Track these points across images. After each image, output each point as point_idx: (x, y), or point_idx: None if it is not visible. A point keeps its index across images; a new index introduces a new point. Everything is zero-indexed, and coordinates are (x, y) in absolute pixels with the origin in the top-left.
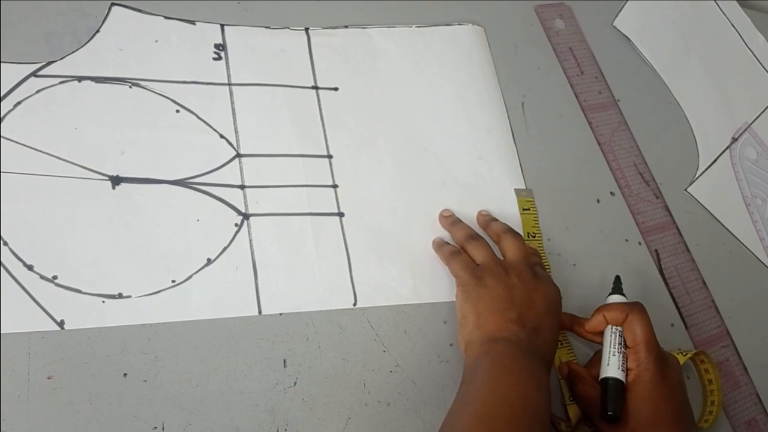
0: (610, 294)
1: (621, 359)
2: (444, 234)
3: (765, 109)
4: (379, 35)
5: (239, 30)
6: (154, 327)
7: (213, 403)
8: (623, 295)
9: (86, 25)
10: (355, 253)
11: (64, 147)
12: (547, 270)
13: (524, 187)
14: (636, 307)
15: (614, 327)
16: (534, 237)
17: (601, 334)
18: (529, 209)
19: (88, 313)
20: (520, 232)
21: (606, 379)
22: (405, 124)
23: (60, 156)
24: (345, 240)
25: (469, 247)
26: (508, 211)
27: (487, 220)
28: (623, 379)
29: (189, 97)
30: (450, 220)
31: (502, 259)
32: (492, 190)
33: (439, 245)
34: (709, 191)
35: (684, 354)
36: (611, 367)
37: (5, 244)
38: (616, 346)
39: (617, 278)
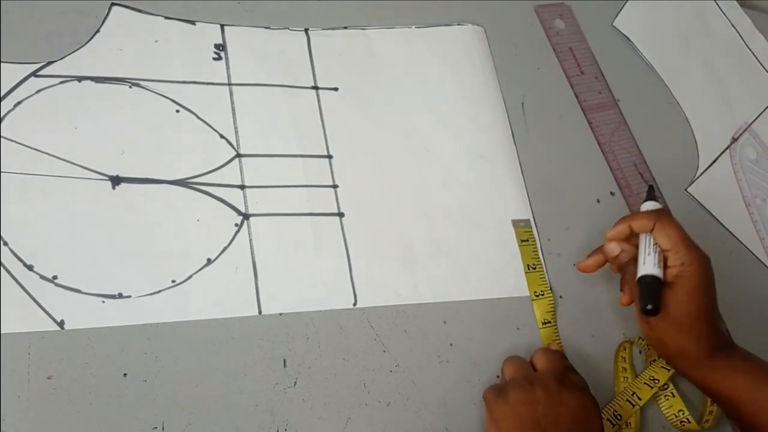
0: (645, 201)
1: (656, 257)
2: (443, 235)
3: (765, 109)
4: (378, 36)
5: (239, 30)
6: (154, 327)
7: (213, 403)
8: (656, 200)
9: (86, 25)
10: (355, 253)
11: (64, 147)
12: (547, 273)
13: (522, 218)
14: (663, 214)
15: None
16: (535, 269)
17: (623, 242)
18: (527, 240)
19: (88, 313)
20: (519, 264)
21: (643, 277)
22: (405, 124)
23: (60, 156)
24: (345, 240)
25: (505, 364)
26: (509, 211)
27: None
28: (659, 275)
29: (189, 97)
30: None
31: (532, 371)
32: (492, 189)
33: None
34: (709, 191)
35: None
36: (647, 266)
37: (5, 244)
38: (651, 246)
39: (651, 187)
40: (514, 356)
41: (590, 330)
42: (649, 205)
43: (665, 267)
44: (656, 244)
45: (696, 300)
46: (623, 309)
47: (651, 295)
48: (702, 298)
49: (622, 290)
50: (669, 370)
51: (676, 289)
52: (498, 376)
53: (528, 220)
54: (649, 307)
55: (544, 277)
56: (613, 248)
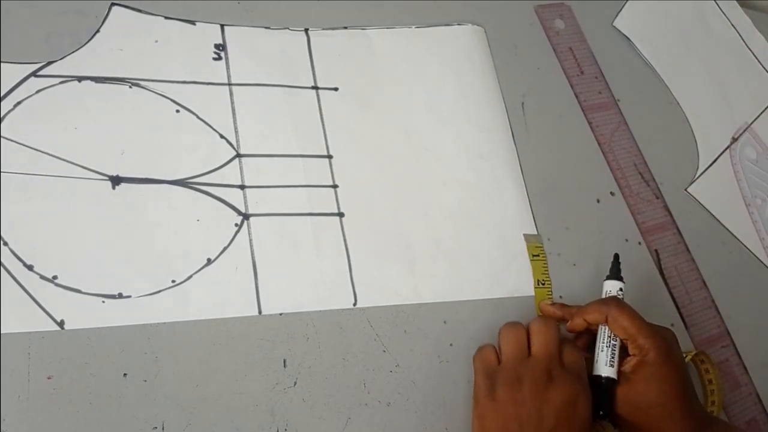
0: (606, 279)
1: (609, 353)
2: (443, 235)
3: (765, 109)
4: (378, 36)
5: (239, 30)
6: (154, 327)
7: (213, 403)
8: (620, 279)
9: (86, 25)
10: (355, 253)
11: (64, 147)
12: (548, 275)
13: (534, 233)
14: (612, 304)
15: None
16: (543, 284)
17: (583, 334)
18: (538, 255)
19: (88, 313)
20: (529, 279)
21: (596, 376)
22: (405, 124)
23: (60, 156)
24: (345, 240)
25: (501, 334)
26: (508, 211)
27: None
28: (611, 375)
29: (189, 97)
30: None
31: (526, 356)
32: (492, 190)
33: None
34: (709, 191)
35: (685, 356)
36: (599, 364)
37: (5, 244)
38: (605, 341)
39: (616, 258)
40: (512, 328)
41: None
42: (610, 285)
43: (627, 355)
44: (610, 336)
45: (659, 387)
46: None
47: (602, 398)
48: (664, 384)
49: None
50: None
51: (637, 379)
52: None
53: (538, 236)
54: (600, 412)
55: (551, 295)
56: (579, 329)
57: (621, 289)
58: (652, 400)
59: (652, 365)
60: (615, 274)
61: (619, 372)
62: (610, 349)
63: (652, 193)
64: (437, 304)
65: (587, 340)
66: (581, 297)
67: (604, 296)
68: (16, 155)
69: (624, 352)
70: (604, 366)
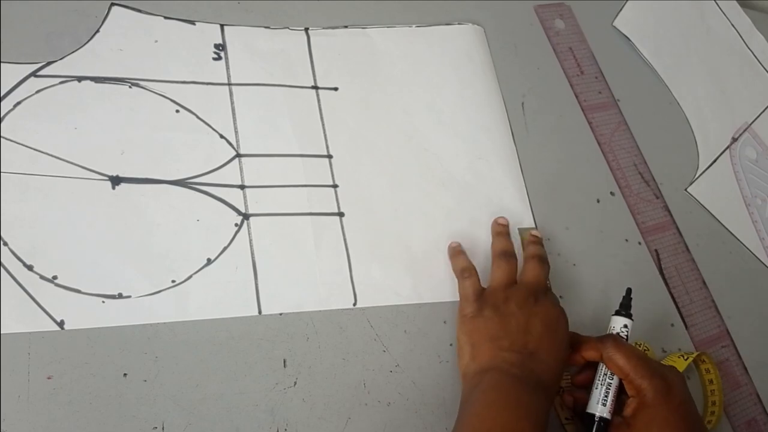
0: (613, 314)
1: (603, 391)
2: (443, 235)
3: (765, 109)
4: (379, 35)
5: (239, 30)
6: (154, 327)
7: (213, 403)
8: (628, 315)
9: (86, 25)
10: (355, 253)
11: (64, 147)
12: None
13: (528, 227)
14: (609, 342)
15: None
16: None
17: (585, 369)
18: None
19: (88, 313)
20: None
21: (588, 414)
22: (405, 124)
23: (60, 156)
24: (345, 240)
25: (494, 264)
26: (508, 211)
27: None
28: (603, 414)
29: (189, 97)
30: (498, 229)
31: (515, 282)
32: (492, 189)
33: (454, 254)
34: (709, 191)
35: (686, 358)
36: (592, 402)
37: (5, 244)
38: (600, 378)
39: (628, 292)
40: (505, 258)
41: (590, 330)
42: (615, 321)
43: (626, 395)
44: (606, 374)
45: (657, 430)
46: None
47: None
48: (665, 428)
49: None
50: None
51: (637, 424)
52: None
53: (535, 228)
54: None
55: (548, 280)
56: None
57: (626, 326)
58: None
59: (651, 407)
60: (623, 309)
61: (621, 416)
62: (604, 387)
63: (652, 193)
64: (437, 304)
65: (589, 375)
66: (581, 297)
67: (608, 332)
68: (16, 155)
69: (624, 393)
70: (596, 404)
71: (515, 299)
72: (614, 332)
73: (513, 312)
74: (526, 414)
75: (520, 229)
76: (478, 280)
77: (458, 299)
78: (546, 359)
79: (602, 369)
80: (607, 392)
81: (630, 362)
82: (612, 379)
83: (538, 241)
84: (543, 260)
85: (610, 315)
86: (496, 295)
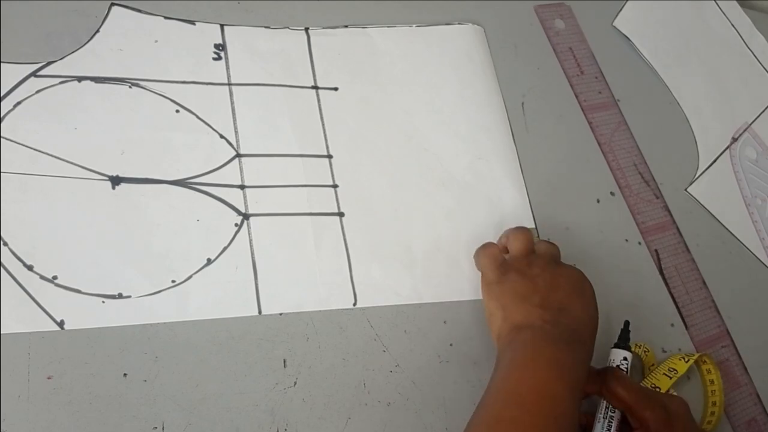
0: (613, 347)
1: (605, 426)
2: (443, 235)
3: (765, 109)
4: (379, 35)
5: (239, 30)
6: (154, 327)
7: (213, 403)
8: (627, 347)
9: (86, 25)
10: (355, 253)
11: (64, 147)
12: None
13: (528, 227)
14: (609, 375)
15: None
16: None
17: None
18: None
19: (88, 313)
20: None
21: None
22: (405, 124)
23: (60, 156)
24: (345, 240)
25: (511, 236)
26: (508, 211)
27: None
28: None
29: (189, 97)
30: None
31: (533, 251)
32: (492, 189)
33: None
34: (709, 191)
35: (686, 360)
36: None
37: (5, 244)
38: (602, 411)
39: (626, 325)
40: (521, 230)
41: None
42: (614, 354)
43: (629, 428)
44: (607, 407)
45: None
46: (623, 309)
47: None
48: None
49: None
50: (670, 378)
51: None
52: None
53: (535, 229)
54: None
55: None
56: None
57: (626, 359)
58: None
59: None
60: (623, 342)
61: None
62: (606, 420)
63: (652, 193)
64: (437, 304)
65: (588, 417)
66: None
67: (608, 365)
68: (16, 155)
69: (627, 425)
70: None
71: (538, 263)
72: (614, 365)
73: (538, 273)
74: (561, 374)
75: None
76: (499, 250)
77: (457, 299)
78: (579, 314)
79: (603, 403)
80: (610, 425)
81: (631, 395)
82: (614, 412)
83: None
84: (549, 242)
85: (609, 348)
86: (519, 260)
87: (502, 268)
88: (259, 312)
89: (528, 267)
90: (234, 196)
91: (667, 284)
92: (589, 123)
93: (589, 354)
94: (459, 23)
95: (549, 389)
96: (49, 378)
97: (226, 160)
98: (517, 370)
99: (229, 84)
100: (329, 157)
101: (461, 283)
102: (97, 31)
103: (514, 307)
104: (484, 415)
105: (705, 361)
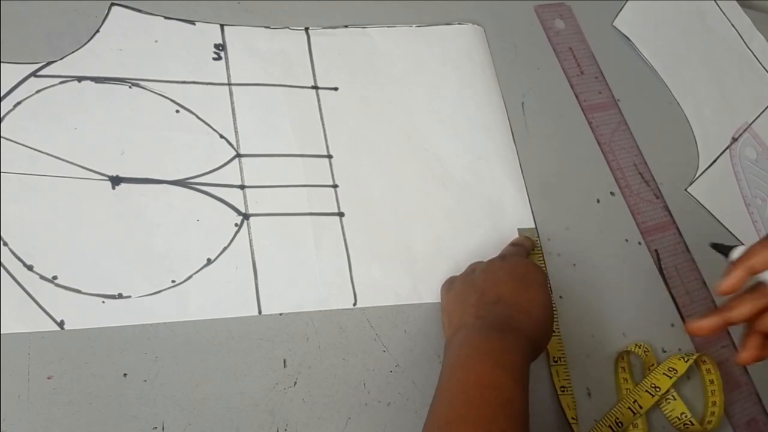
0: (733, 248)
1: None
2: (443, 235)
3: (765, 109)
4: (379, 35)
5: (239, 30)
6: (154, 327)
7: (213, 403)
8: (725, 249)
9: (86, 25)
10: (355, 253)
11: (64, 147)
12: (545, 268)
13: (528, 227)
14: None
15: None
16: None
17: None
18: (533, 250)
19: (88, 313)
20: None
21: None
22: (405, 124)
23: (60, 156)
24: (345, 240)
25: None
26: (508, 211)
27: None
28: None
29: (189, 97)
30: (515, 240)
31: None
32: (492, 189)
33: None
34: (709, 191)
35: (686, 359)
36: None
37: (5, 244)
38: None
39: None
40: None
41: (590, 330)
42: (741, 251)
43: None
44: None
45: None
46: (623, 309)
47: None
48: None
49: (743, 345)
50: (670, 378)
51: None
52: None
53: (534, 229)
54: None
55: (548, 283)
56: (742, 312)
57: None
58: None
59: None
60: (725, 249)
61: None
62: None
63: (652, 193)
64: (437, 304)
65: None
66: (581, 297)
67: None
68: (16, 155)
69: None
70: None
71: (481, 266)
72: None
73: (478, 275)
74: (498, 361)
75: (519, 230)
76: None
77: None
78: (517, 301)
79: None
80: None
81: None
82: None
83: (523, 240)
84: (515, 243)
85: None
86: (466, 273)
87: (449, 281)
88: (259, 312)
89: (472, 272)
90: (234, 196)
91: (667, 284)
92: (589, 123)
93: (529, 340)
94: (459, 23)
95: (489, 380)
96: (49, 378)
97: (226, 160)
98: (456, 370)
99: (229, 84)
100: (329, 157)
101: None
102: (97, 31)
103: (454, 311)
104: (434, 419)
105: (705, 361)
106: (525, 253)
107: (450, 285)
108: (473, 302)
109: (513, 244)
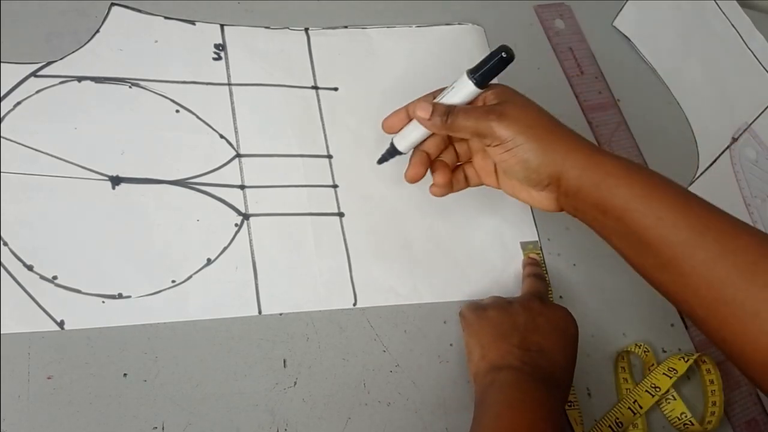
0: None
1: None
2: (443, 234)
3: (765, 109)
4: (379, 35)
5: (239, 30)
6: (154, 327)
7: (213, 403)
8: (482, 82)
9: (86, 25)
10: (355, 253)
11: (64, 147)
12: (547, 271)
13: (531, 240)
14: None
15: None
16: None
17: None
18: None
19: (88, 313)
20: (519, 264)
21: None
22: None
23: (60, 156)
24: (345, 240)
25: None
26: (507, 212)
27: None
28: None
29: (189, 97)
30: (529, 270)
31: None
32: (492, 189)
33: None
34: (709, 191)
35: (686, 359)
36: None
37: (5, 244)
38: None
39: (496, 56)
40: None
41: (590, 330)
42: (462, 83)
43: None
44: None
45: (531, 109)
46: (623, 309)
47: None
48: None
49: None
50: (670, 378)
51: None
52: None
53: (537, 242)
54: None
55: (551, 293)
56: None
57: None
58: (527, 116)
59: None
60: (485, 73)
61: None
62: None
63: None
64: (437, 304)
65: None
66: (581, 297)
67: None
68: (16, 155)
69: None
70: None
71: (519, 301)
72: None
73: (518, 311)
74: (549, 415)
75: (522, 243)
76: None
77: (458, 299)
78: (557, 358)
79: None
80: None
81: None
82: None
83: (535, 262)
84: (540, 277)
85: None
86: (498, 301)
87: (481, 307)
88: (259, 312)
89: (509, 304)
90: (234, 196)
91: None
92: (589, 123)
93: (564, 399)
94: (459, 23)
95: (539, 430)
96: (49, 378)
97: (226, 160)
98: (509, 410)
99: (229, 84)
100: (329, 157)
101: (461, 283)
102: (97, 31)
103: (492, 344)
104: None
105: (705, 361)
106: (543, 278)
107: (480, 311)
108: (516, 343)
109: (533, 275)
